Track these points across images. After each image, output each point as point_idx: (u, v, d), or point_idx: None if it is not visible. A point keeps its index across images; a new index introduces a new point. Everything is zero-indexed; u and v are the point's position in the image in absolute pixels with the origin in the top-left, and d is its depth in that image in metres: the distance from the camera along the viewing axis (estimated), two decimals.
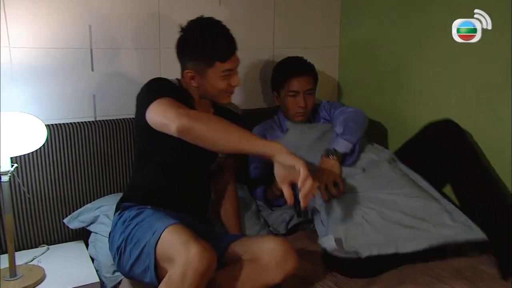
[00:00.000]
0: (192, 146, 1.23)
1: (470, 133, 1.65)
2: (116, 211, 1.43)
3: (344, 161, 1.60)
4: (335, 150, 1.57)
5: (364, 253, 1.33)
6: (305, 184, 1.11)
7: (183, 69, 1.43)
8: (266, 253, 1.25)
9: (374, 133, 2.00)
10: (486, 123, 1.62)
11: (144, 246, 1.22)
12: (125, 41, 1.75)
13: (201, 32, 1.38)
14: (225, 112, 1.54)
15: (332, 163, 1.54)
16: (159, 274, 1.20)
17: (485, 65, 1.60)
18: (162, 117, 1.23)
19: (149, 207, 1.34)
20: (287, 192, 1.15)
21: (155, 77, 1.40)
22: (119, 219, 1.37)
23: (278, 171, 1.16)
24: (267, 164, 1.31)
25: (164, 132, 1.23)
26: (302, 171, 1.11)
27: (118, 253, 1.32)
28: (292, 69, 1.86)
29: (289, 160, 1.13)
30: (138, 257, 1.25)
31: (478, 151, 1.58)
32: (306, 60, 1.91)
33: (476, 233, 1.37)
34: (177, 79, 1.48)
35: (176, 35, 1.80)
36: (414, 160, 1.63)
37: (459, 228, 1.38)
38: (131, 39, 1.76)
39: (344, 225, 1.40)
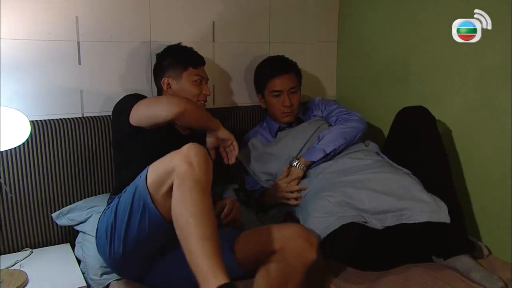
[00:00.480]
0: (173, 140, 1.38)
1: (468, 132, 1.67)
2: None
3: (317, 163, 1.68)
4: (297, 158, 1.69)
5: (337, 224, 1.39)
6: (235, 146, 1.57)
7: (159, 82, 1.60)
8: (297, 235, 1.29)
9: (372, 131, 1.98)
10: (486, 122, 1.63)
11: (134, 193, 1.20)
12: (114, 33, 1.70)
13: (176, 48, 1.65)
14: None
15: (292, 170, 1.68)
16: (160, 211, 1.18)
17: (485, 65, 1.61)
18: (157, 106, 1.41)
19: None
20: (214, 154, 1.57)
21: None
22: (107, 210, 1.34)
23: (210, 140, 1.56)
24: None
25: (145, 132, 1.40)
26: (231, 140, 1.56)
27: (109, 234, 1.26)
28: (272, 68, 1.83)
29: (227, 134, 1.55)
30: (131, 210, 1.21)
31: (441, 140, 1.61)
32: (288, 58, 1.89)
33: (442, 216, 1.38)
34: None
35: (167, 27, 1.79)
36: (390, 142, 1.73)
37: (428, 205, 1.40)
38: (120, 31, 1.71)
39: (313, 215, 1.47)
